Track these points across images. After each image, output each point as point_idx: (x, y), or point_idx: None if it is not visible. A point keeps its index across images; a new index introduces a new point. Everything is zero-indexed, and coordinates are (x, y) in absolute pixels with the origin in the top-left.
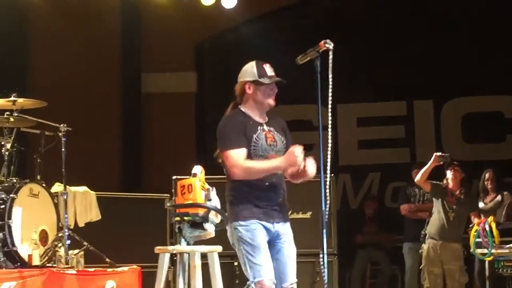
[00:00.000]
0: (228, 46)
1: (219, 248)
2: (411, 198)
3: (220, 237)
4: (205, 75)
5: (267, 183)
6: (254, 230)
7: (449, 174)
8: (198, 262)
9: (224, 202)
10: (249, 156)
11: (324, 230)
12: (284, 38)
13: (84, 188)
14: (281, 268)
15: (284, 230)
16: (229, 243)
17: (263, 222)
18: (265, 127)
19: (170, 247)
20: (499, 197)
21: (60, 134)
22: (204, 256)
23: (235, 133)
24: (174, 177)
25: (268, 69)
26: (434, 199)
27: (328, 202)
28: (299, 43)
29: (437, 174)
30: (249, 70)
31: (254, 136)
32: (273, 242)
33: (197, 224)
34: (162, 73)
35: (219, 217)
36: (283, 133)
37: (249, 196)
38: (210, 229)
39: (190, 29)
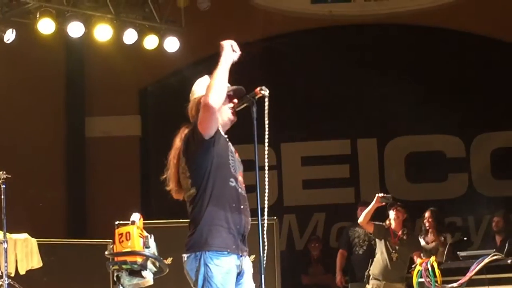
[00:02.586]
0: (172, 89)
1: None
2: (354, 240)
3: (160, 284)
4: (150, 119)
5: (242, 206)
6: (227, 273)
7: (391, 214)
8: None
9: (164, 247)
10: (228, 170)
11: (263, 276)
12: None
13: (25, 235)
14: None
15: (247, 265)
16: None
17: (234, 258)
18: (230, 144)
19: None
20: (439, 240)
21: None
22: None
23: None
24: (117, 222)
25: None
26: (377, 240)
27: (266, 246)
28: (243, 84)
29: (381, 214)
30: (205, 83)
31: (229, 148)
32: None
33: (136, 272)
34: (106, 116)
35: (158, 265)
36: None
37: (220, 218)
38: (148, 277)
39: (134, 72)
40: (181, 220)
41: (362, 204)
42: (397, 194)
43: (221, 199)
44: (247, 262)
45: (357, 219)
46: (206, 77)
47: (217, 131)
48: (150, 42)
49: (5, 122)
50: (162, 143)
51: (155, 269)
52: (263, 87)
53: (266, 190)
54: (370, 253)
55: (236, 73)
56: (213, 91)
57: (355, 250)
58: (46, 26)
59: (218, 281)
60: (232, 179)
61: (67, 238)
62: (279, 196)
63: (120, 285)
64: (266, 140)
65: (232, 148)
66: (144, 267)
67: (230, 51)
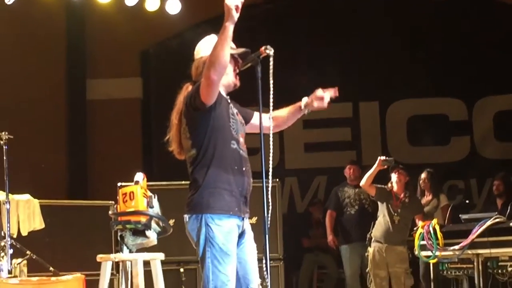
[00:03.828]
0: (173, 51)
1: (161, 256)
2: (344, 200)
3: (163, 245)
4: (151, 81)
5: (244, 168)
6: (228, 233)
7: (393, 177)
8: (140, 269)
9: (167, 209)
10: (229, 132)
11: (267, 236)
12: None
13: (27, 196)
14: (245, 267)
15: (247, 225)
16: (173, 249)
17: (236, 219)
18: (232, 106)
19: (112, 255)
20: (435, 201)
21: (1, 142)
22: (147, 263)
23: None
24: (119, 184)
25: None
26: (379, 202)
27: (270, 207)
28: (247, 45)
29: (382, 177)
30: (210, 42)
31: (230, 111)
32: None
33: (139, 231)
34: (108, 79)
35: (161, 225)
36: None
37: (223, 180)
38: (152, 237)
39: (135, 35)
40: (183, 182)
41: (350, 163)
42: (399, 157)
43: (223, 161)
44: (248, 224)
45: (346, 179)
46: (212, 35)
47: (219, 94)
48: (152, 3)
49: (6, 83)
50: (163, 105)
51: (159, 229)
52: (268, 46)
53: (271, 153)
54: (363, 213)
55: (240, 36)
56: (216, 63)
57: (346, 210)
58: None
59: (219, 241)
60: (233, 141)
61: (69, 200)
62: (281, 159)
63: (124, 245)
64: (271, 99)
65: (234, 109)
66: (148, 226)
67: (234, 15)
